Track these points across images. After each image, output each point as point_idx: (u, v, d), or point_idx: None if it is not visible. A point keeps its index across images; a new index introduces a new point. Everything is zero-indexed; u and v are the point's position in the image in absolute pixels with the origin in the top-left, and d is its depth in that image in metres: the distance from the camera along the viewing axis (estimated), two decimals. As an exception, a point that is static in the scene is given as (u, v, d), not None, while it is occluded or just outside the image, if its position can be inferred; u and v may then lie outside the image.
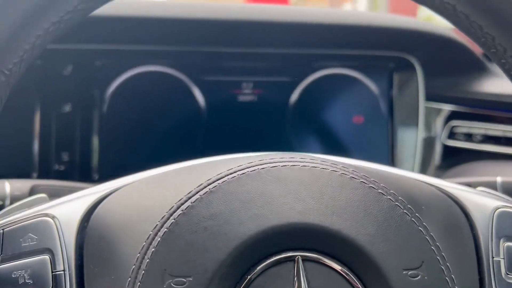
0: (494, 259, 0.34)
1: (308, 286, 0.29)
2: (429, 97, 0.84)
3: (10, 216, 0.35)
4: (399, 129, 0.84)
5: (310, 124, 0.83)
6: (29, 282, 0.31)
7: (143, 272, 0.29)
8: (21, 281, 0.31)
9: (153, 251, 0.29)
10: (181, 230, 0.30)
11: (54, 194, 0.48)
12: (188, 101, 0.80)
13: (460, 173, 0.78)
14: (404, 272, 0.29)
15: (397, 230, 0.30)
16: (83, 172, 0.77)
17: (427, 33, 0.77)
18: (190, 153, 0.80)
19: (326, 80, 0.83)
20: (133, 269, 0.30)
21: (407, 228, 0.31)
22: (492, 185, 0.54)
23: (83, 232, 0.34)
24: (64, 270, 0.32)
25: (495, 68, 0.81)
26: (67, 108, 0.77)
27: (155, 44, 0.78)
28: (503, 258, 0.34)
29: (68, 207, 0.35)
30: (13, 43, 0.32)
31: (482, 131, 0.80)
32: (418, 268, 0.30)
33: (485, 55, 0.80)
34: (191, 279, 0.28)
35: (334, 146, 0.84)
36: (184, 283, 0.28)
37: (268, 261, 0.29)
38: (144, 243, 0.30)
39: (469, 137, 0.81)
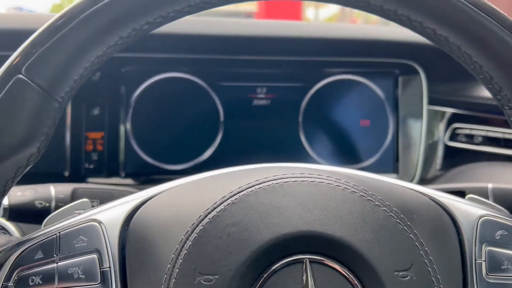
0: (477, 261, 0.39)
1: (314, 284, 0.34)
2: (432, 101, 0.88)
3: (64, 220, 0.40)
4: (403, 131, 0.88)
5: (320, 126, 0.88)
6: (82, 277, 0.36)
7: (177, 270, 0.34)
8: (75, 276, 0.36)
9: (185, 253, 0.34)
10: (208, 236, 0.35)
11: (92, 196, 0.54)
12: (207, 105, 0.86)
13: (460, 174, 0.82)
14: (395, 273, 0.34)
15: (391, 237, 0.35)
16: (110, 170, 0.83)
17: (430, 44, 0.81)
18: (209, 152, 0.86)
19: (335, 85, 0.88)
20: (169, 267, 0.35)
21: (399, 235, 0.35)
22: (484, 191, 0.58)
23: (125, 234, 0.39)
24: (110, 267, 0.37)
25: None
26: (96, 111, 0.83)
27: (177, 53, 0.83)
28: (484, 261, 0.39)
29: (111, 213, 0.40)
30: (65, 75, 0.38)
31: (483, 133, 0.84)
32: (408, 269, 0.34)
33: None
34: (217, 277, 0.33)
35: (342, 147, 0.88)
36: (211, 280, 0.33)
37: (281, 262, 0.34)
38: (178, 246, 0.35)
39: (470, 138, 0.85)
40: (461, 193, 0.56)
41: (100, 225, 0.39)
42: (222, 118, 0.86)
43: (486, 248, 0.40)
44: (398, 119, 0.88)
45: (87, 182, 0.83)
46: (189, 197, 0.41)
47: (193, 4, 0.39)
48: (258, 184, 0.37)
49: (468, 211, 0.43)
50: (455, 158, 0.87)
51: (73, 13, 0.37)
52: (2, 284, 0.36)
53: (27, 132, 0.37)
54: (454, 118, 0.88)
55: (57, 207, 0.52)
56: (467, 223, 0.41)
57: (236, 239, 0.34)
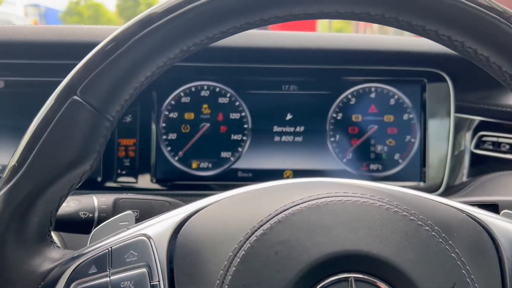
0: None
1: None
2: (459, 109, 0.88)
3: (114, 235, 0.41)
4: (430, 139, 0.88)
5: (347, 134, 0.88)
6: None
7: (226, 286, 0.35)
8: None
9: (234, 269, 0.35)
10: (256, 253, 0.36)
11: (132, 207, 0.56)
12: (235, 112, 0.87)
13: (489, 183, 0.82)
14: None
15: (434, 256, 0.36)
16: (141, 176, 0.85)
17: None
18: (237, 159, 0.87)
19: (363, 94, 0.88)
20: (218, 283, 0.36)
21: (442, 254, 0.36)
22: (518, 204, 0.59)
23: (172, 249, 0.40)
24: (159, 281, 0.38)
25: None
26: (128, 118, 0.85)
27: (207, 62, 0.85)
28: None
29: (159, 228, 0.41)
30: (116, 95, 0.39)
31: (510, 141, 0.84)
32: None
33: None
34: None
35: (369, 155, 0.89)
36: None
37: (327, 280, 0.35)
38: (226, 262, 0.36)
39: (497, 146, 0.86)
40: (494, 206, 0.57)
41: (149, 240, 0.40)
42: (250, 125, 0.87)
43: None
44: (425, 127, 0.88)
45: (119, 188, 0.85)
46: (235, 212, 0.42)
47: (238, 26, 0.40)
48: (303, 203, 0.38)
49: (506, 228, 0.43)
50: (481, 166, 0.87)
51: (123, 36, 0.38)
52: None
53: (81, 151, 0.39)
54: (481, 126, 0.88)
55: (99, 218, 0.54)
56: (506, 240, 0.42)
57: (283, 257, 0.35)
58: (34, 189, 0.38)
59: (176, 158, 0.87)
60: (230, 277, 0.36)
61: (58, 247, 0.41)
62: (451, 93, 0.88)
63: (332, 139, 0.88)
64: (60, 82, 0.39)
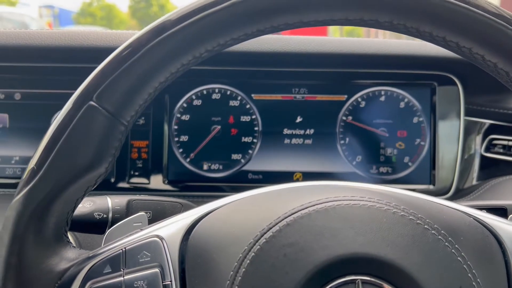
0: None
1: None
2: (470, 112, 0.88)
3: (128, 236, 0.42)
4: (440, 142, 0.88)
5: (357, 137, 0.89)
6: None
7: (236, 287, 0.36)
8: None
9: (243, 270, 0.36)
10: (265, 255, 0.36)
11: (145, 208, 0.57)
12: (246, 115, 0.88)
13: (498, 186, 0.82)
14: None
15: (440, 260, 0.36)
16: (154, 177, 0.87)
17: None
18: (247, 161, 0.88)
19: (373, 97, 0.89)
20: (228, 284, 0.37)
21: (448, 258, 0.37)
22: (526, 208, 0.59)
23: (184, 249, 0.41)
24: (171, 281, 0.39)
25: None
26: (141, 120, 0.86)
27: (218, 65, 0.86)
28: None
29: (171, 229, 0.42)
30: (131, 101, 0.40)
31: (521, 145, 0.84)
32: None
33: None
34: None
35: (379, 158, 0.89)
36: None
37: (335, 283, 0.36)
38: (236, 263, 0.37)
39: (507, 150, 0.85)
40: (503, 210, 0.57)
41: (161, 240, 0.41)
42: (260, 128, 0.88)
43: None
44: (435, 130, 0.88)
45: (132, 189, 0.86)
46: (244, 214, 0.42)
47: (250, 33, 0.41)
48: (311, 206, 0.39)
49: None
50: (491, 169, 0.87)
51: (138, 44, 0.39)
52: None
53: (97, 154, 0.40)
54: (491, 129, 0.88)
55: (113, 218, 0.55)
56: None
57: (292, 259, 0.36)
58: (52, 191, 0.39)
59: (188, 160, 0.88)
60: (239, 278, 0.37)
61: (74, 247, 0.43)
62: (461, 96, 0.88)
63: (342, 141, 0.89)
64: (72, 94, 0.40)
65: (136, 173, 0.86)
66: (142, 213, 0.50)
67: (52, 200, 0.39)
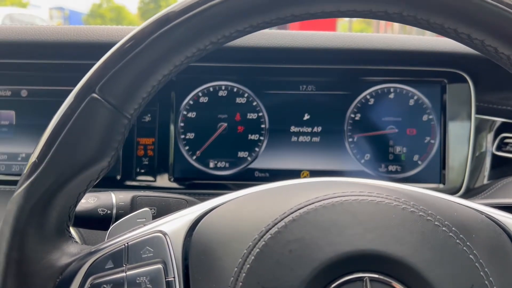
0: None
1: None
2: (481, 110, 0.86)
3: (131, 231, 0.42)
4: (450, 141, 0.86)
5: (366, 135, 0.88)
6: (149, 287, 0.38)
7: (240, 283, 0.35)
8: (143, 286, 0.37)
9: (248, 267, 0.36)
10: (270, 251, 0.36)
11: (150, 204, 0.56)
12: (252, 112, 0.87)
13: (509, 185, 0.81)
14: None
15: (451, 258, 0.35)
16: (160, 174, 0.86)
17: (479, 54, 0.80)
18: (254, 159, 0.87)
19: (381, 94, 0.87)
20: (232, 280, 0.36)
21: (459, 256, 0.36)
22: (539, 206, 0.57)
23: (188, 246, 0.40)
24: (174, 277, 0.38)
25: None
26: (147, 118, 0.86)
27: (224, 62, 0.85)
28: None
29: (175, 225, 0.41)
30: (135, 93, 0.40)
31: (533, 143, 0.82)
32: None
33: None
34: None
35: (388, 156, 0.88)
36: None
37: (342, 280, 0.35)
38: (240, 260, 0.36)
39: (520, 148, 0.84)
40: (515, 208, 0.55)
41: (165, 236, 0.40)
42: (267, 125, 0.88)
43: None
44: (445, 128, 0.87)
45: (138, 186, 0.86)
46: (249, 210, 0.42)
47: (255, 25, 0.40)
48: (318, 202, 0.38)
49: None
50: (503, 168, 0.86)
51: (142, 35, 0.39)
52: None
53: (100, 148, 0.39)
54: (502, 128, 0.86)
55: (117, 214, 0.55)
56: None
57: (298, 255, 0.35)
58: (53, 185, 0.39)
59: (194, 157, 0.87)
60: (244, 274, 0.36)
61: (76, 242, 0.42)
62: (472, 94, 0.86)
63: (350, 139, 0.88)
64: None
65: (142, 171, 0.86)
66: (146, 209, 0.49)
67: (53, 194, 0.39)
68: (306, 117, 0.88)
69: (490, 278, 0.36)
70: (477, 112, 0.87)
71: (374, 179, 0.86)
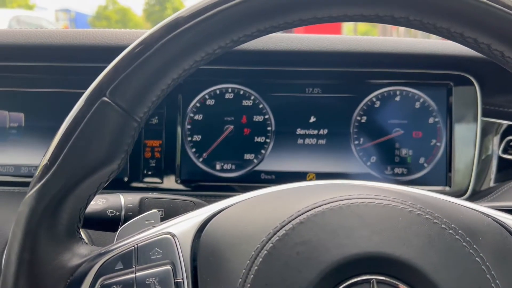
0: None
1: None
2: (487, 113, 0.86)
3: (140, 233, 0.42)
4: (456, 143, 0.86)
5: (372, 138, 0.88)
6: None
7: (248, 285, 0.36)
8: (152, 287, 0.38)
9: (256, 268, 0.36)
10: (278, 253, 0.36)
11: (157, 206, 0.57)
12: (259, 115, 0.88)
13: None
14: None
15: (458, 261, 0.36)
16: (167, 176, 0.87)
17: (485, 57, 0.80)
18: (260, 161, 0.88)
19: (387, 97, 0.88)
20: (240, 282, 0.36)
21: (466, 259, 0.36)
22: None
23: (196, 247, 0.41)
24: (183, 278, 0.39)
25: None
26: (154, 120, 0.87)
27: (231, 65, 0.86)
28: None
29: (183, 226, 0.42)
30: (144, 97, 0.40)
31: (540, 146, 0.82)
32: None
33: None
34: None
35: (394, 159, 0.88)
36: None
37: (349, 282, 0.35)
38: (248, 261, 0.37)
39: (526, 151, 0.84)
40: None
41: (173, 238, 0.41)
42: (273, 127, 0.88)
43: None
44: (451, 131, 0.87)
45: (145, 188, 0.87)
46: (257, 212, 0.42)
47: (263, 29, 0.40)
48: (325, 204, 0.38)
49: None
50: (509, 170, 0.86)
51: (151, 40, 0.39)
52: None
53: (110, 151, 0.40)
54: (509, 130, 0.86)
55: (126, 216, 0.55)
56: None
57: (305, 257, 0.36)
58: (64, 187, 0.39)
59: (201, 159, 0.88)
60: (252, 276, 0.36)
61: (86, 243, 0.43)
62: (478, 97, 0.86)
63: (356, 142, 0.88)
64: None
65: (149, 173, 0.86)
66: (155, 210, 0.50)
67: (64, 196, 0.39)
68: (312, 119, 0.88)
69: (497, 281, 0.36)
70: (483, 115, 0.86)
71: (380, 181, 0.87)
